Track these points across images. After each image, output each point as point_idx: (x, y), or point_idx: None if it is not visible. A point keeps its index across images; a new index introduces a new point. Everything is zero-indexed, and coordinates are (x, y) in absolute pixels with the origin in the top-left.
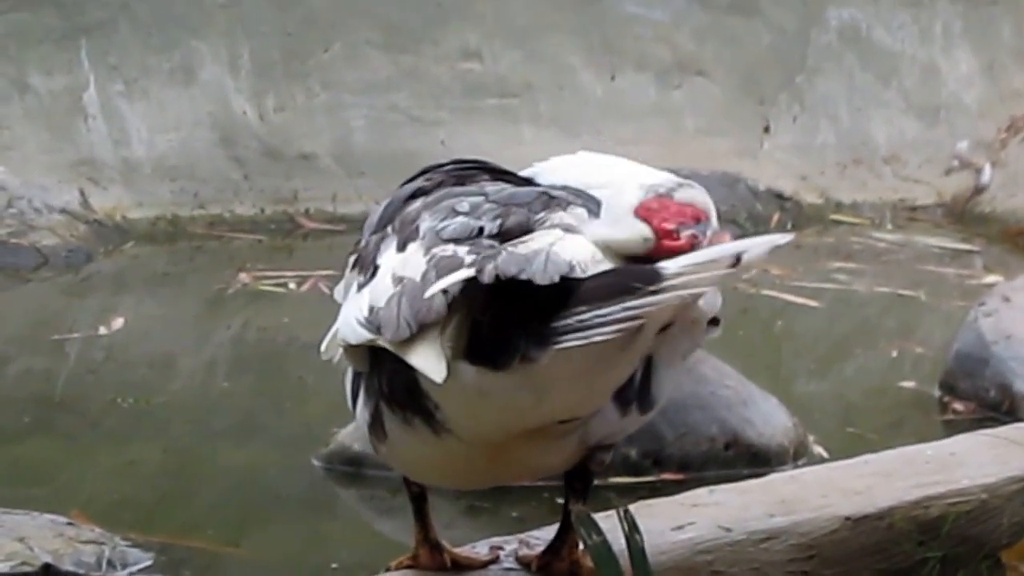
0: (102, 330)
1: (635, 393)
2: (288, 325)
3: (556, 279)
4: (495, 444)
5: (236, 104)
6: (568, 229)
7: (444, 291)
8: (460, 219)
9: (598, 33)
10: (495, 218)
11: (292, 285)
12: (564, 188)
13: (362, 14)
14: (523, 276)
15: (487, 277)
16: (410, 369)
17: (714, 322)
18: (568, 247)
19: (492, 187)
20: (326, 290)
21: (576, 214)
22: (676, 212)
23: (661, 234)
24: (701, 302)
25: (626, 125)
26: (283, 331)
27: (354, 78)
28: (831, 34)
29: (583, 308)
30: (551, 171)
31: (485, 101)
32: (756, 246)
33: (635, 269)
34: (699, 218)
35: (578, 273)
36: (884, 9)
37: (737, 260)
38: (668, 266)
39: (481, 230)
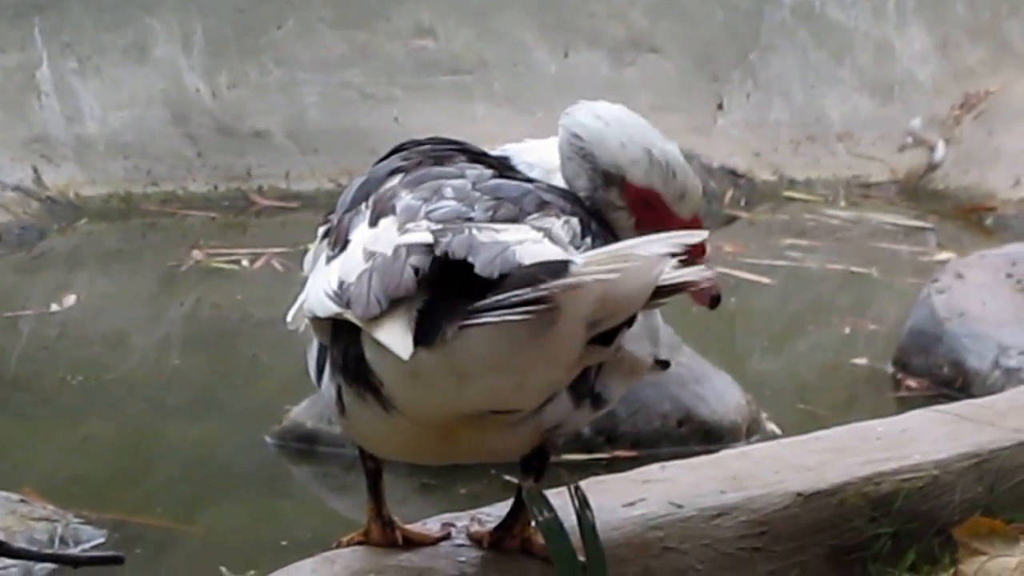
0: (54, 307)
1: (589, 388)
2: (241, 302)
3: (495, 275)
4: (441, 426)
5: (189, 81)
6: (552, 238)
7: (415, 268)
8: (451, 203)
9: (552, 10)
10: (486, 209)
11: (245, 262)
12: (550, 188)
13: None
14: (468, 259)
15: (438, 251)
16: (359, 344)
17: (663, 364)
18: (536, 253)
19: (472, 171)
20: (279, 267)
21: (571, 226)
22: (661, 224)
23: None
24: (634, 349)
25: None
26: (236, 308)
27: (307, 55)
28: (784, 11)
29: (498, 294)
30: (524, 152)
31: (439, 78)
32: (668, 272)
33: (548, 263)
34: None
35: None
36: None
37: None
38: (577, 261)
39: (470, 219)
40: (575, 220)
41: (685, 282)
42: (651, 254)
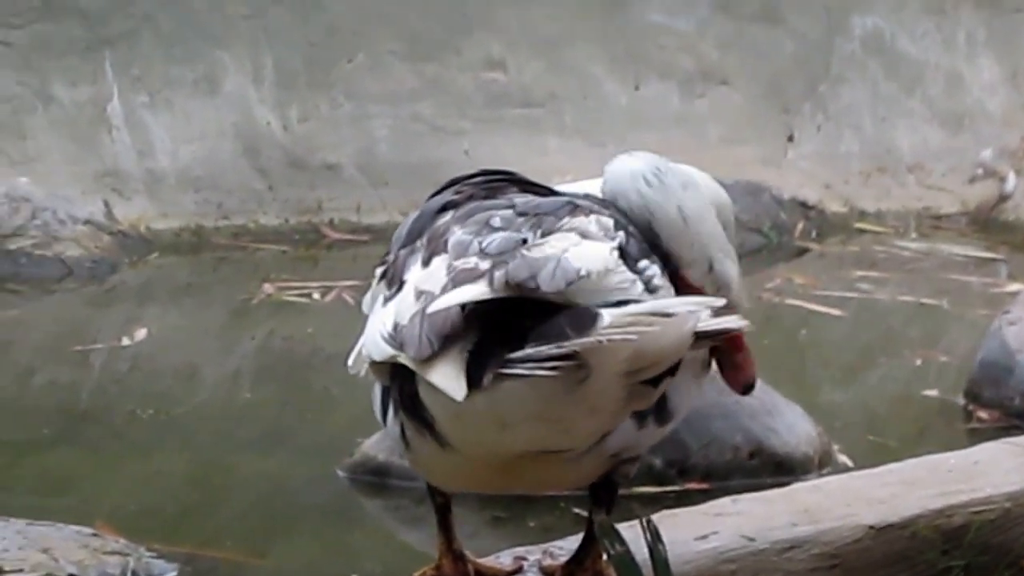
0: (125, 341)
1: (652, 407)
2: (312, 336)
3: (562, 287)
4: (495, 462)
5: (260, 114)
6: (585, 235)
7: (461, 305)
8: (502, 234)
9: (622, 42)
10: (532, 227)
11: (316, 296)
12: (586, 196)
13: (385, 24)
14: (531, 284)
15: (496, 284)
16: (414, 382)
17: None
18: (581, 253)
19: (521, 199)
20: (350, 300)
21: (603, 223)
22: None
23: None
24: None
25: (650, 134)
26: (307, 342)
27: (377, 88)
28: (855, 42)
29: (533, 342)
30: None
31: (509, 111)
32: (705, 320)
33: (577, 312)
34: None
35: (586, 282)
36: (908, 17)
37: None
38: (605, 315)
39: (525, 241)
40: (605, 218)
41: (722, 330)
42: (683, 311)
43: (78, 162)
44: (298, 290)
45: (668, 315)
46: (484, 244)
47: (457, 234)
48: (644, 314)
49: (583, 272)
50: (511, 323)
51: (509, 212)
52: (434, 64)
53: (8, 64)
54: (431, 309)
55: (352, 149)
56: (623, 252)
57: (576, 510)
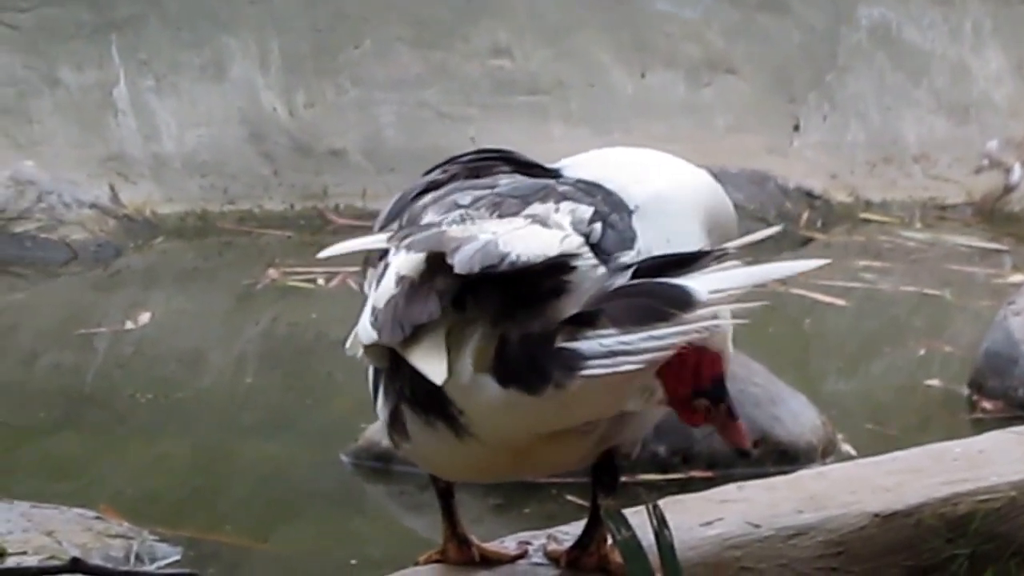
0: (129, 325)
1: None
2: (316, 321)
3: (475, 270)
4: (518, 447)
5: (266, 100)
6: (544, 222)
7: (439, 293)
8: (458, 212)
9: (629, 31)
10: (490, 209)
11: (321, 281)
12: (580, 182)
13: (392, 10)
14: (442, 252)
15: (394, 249)
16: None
17: None
18: (521, 239)
19: (506, 180)
20: (355, 286)
21: (577, 213)
22: (692, 373)
23: (672, 399)
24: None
25: (656, 123)
26: (311, 327)
27: (384, 74)
28: (861, 32)
29: (611, 332)
30: (580, 165)
31: (515, 98)
32: (786, 268)
33: (665, 289)
34: (715, 375)
35: (507, 266)
36: (914, 8)
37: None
38: (699, 289)
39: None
40: (583, 208)
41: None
42: (765, 279)
43: (84, 146)
44: (303, 275)
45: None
46: (441, 223)
47: (428, 216)
48: (733, 289)
49: (513, 257)
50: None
51: (484, 192)
52: (441, 51)
53: (15, 48)
54: (323, 254)
55: (358, 135)
56: (595, 246)
57: (569, 497)
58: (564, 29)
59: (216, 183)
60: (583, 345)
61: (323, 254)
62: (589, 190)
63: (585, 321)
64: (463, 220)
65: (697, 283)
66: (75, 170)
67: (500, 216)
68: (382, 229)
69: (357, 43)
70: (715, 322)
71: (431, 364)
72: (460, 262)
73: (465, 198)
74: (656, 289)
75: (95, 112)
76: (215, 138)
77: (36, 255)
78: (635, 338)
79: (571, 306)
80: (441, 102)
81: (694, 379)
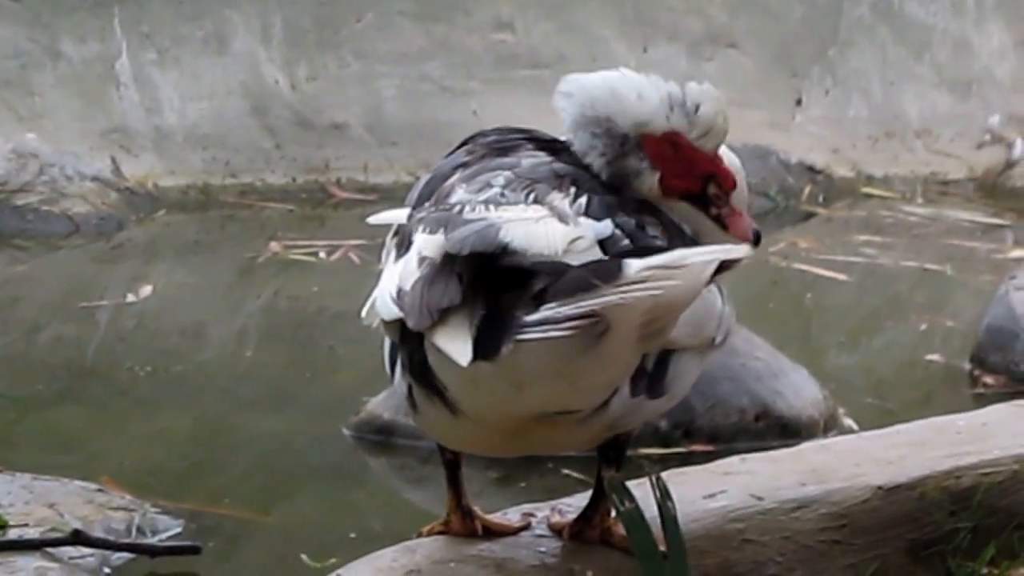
0: (131, 298)
1: (645, 380)
2: (318, 294)
3: (464, 251)
4: (507, 426)
5: (268, 73)
6: (558, 213)
7: (459, 276)
8: (491, 191)
9: (631, 4)
10: (525, 191)
11: (323, 254)
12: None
13: None
14: (442, 236)
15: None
16: (423, 348)
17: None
18: (528, 230)
19: (529, 160)
20: (356, 260)
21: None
22: (689, 165)
23: (667, 188)
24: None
25: None
26: (313, 300)
27: (386, 48)
28: (864, 7)
29: (551, 303)
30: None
31: (517, 72)
32: (718, 253)
33: (599, 265)
34: (714, 174)
35: (510, 258)
36: None
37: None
38: (632, 264)
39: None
40: (585, 195)
41: (730, 261)
42: (700, 261)
43: (86, 119)
44: (305, 249)
45: (684, 266)
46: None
47: (459, 193)
48: (663, 267)
49: (515, 246)
50: (524, 282)
51: (510, 173)
52: (443, 24)
53: (17, 20)
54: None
55: (360, 109)
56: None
57: (565, 471)
58: (566, 3)
59: (218, 156)
60: (526, 316)
61: (371, 220)
62: (576, 164)
63: (538, 297)
64: (490, 202)
65: (636, 261)
66: (77, 143)
67: (535, 199)
68: (414, 209)
69: (359, 16)
70: (637, 294)
71: (456, 346)
72: (451, 241)
73: (498, 179)
74: (594, 265)
75: (97, 85)
76: (217, 111)
77: (38, 228)
78: (564, 307)
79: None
80: (443, 76)
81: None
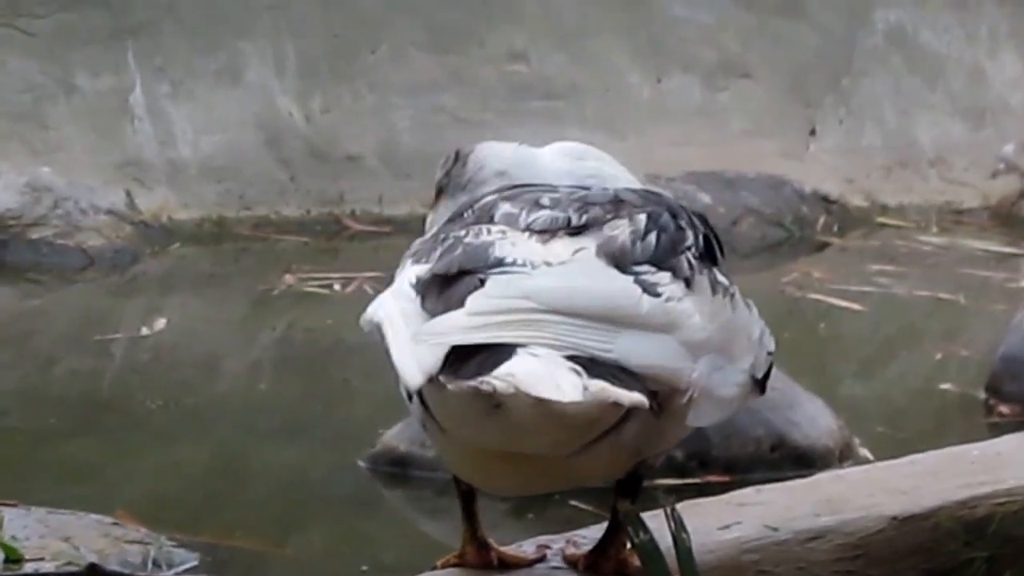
0: (145, 331)
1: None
2: (333, 327)
3: (451, 272)
4: (491, 456)
5: (282, 105)
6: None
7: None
8: (547, 212)
9: (644, 35)
10: (578, 211)
11: (337, 287)
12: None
13: (408, 15)
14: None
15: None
16: None
17: (760, 387)
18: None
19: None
20: (371, 292)
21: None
22: None
23: None
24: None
25: (672, 127)
26: (328, 333)
27: (400, 79)
28: (877, 36)
29: (477, 355)
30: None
31: (531, 103)
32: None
33: (503, 348)
34: None
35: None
36: (930, 12)
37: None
38: (514, 361)
39: (568, 221)
40: (642, 217)
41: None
42: (551, 384)
43: (100, 152)
44: (319, 281)
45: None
46: (530, 220)
47: (504, 207)
48: (510, 374)
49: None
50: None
51: (557, 194)
52: (457, 55)
53: (31, 54)
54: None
55: (374, 140)
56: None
57: (573, 502)
58: (580, 33)
59: (232, 189)
60: (462, 363)
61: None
62: (648, 195)
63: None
64: (565, 221)
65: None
66: (91, 176)
67: (588, 221)
68: (449, 221)
69: (373, 48)
70: (496, 384)
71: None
72: (441, 265)
73: (545, 199)
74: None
75: (111, 118)
76: (231, 144)
77: (53, 261)
78: (468, 372)
79: None
80: (457, 107)
81: None
